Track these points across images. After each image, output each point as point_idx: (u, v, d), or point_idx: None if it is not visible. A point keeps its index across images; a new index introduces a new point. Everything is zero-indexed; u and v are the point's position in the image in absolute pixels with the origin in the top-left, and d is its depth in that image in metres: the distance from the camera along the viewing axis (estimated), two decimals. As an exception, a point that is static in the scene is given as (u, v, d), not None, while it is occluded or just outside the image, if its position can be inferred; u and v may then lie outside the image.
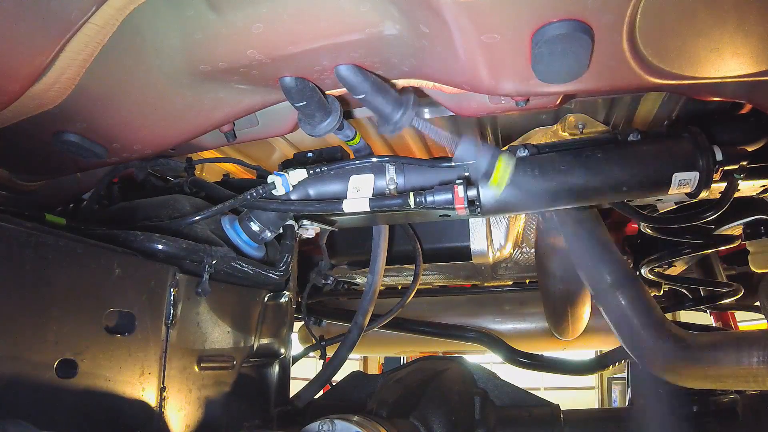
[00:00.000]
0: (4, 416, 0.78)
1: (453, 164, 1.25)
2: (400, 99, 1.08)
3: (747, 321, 3.38)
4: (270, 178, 1.27)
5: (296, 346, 2.87)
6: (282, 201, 1.29)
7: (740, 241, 1.96)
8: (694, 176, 1.14)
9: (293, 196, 1.29)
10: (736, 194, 1.36)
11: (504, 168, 1.06)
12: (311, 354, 2.55)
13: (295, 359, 2.17)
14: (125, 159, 1.33)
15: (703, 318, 3.18)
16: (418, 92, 1.21)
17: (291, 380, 1.65)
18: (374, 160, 1.27)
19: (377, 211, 1.24)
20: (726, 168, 1.22)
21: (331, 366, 1.72)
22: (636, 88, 1.01)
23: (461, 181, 1.18)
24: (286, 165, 1.46)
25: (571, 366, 2.61)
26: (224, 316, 1.35)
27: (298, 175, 1.26)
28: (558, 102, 1.20)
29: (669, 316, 1.88)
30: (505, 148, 1.25)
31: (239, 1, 0.88)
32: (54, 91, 0.98)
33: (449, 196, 1.15)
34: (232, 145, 1.52)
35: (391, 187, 1.24)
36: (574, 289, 2.38)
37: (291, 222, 1.46)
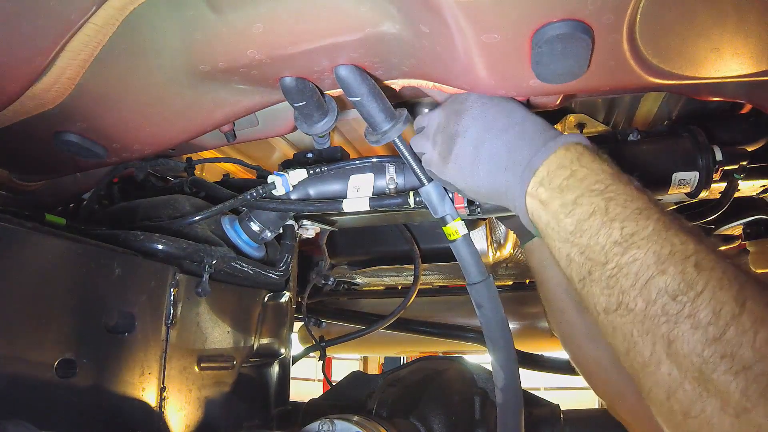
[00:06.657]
0: (4, 416, 0.78)
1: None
2: (394, 112, 1.08)
3: (747, 321, 3.37)
4: (270, 178, 1.27)
5: (296, 346, 2.88)
6: (282, 201, 1.29)
7: (740, 241, 1.96)
8: (693, 176, 1.14)
9: (293, 196, 1.30)
10: (736, 194, 1.36)
11: (457, 227, 1.08)
12: (311, 354, 2.55)
13: (295, 359, 2.17)
14: (125, 159, 1.33)
15: (703, 318, 3.17)
16: (417, 92, 1.21)
17: (291, 380, 1.65)
18: (374, 160, 1.27)
19: (377, 211, 1.24)
20: (726, 168, 1.22)
21: None
22: (636, 88, 1.01)
23: (461, 180, 1.18)
24: (286, 165, 1.46)
25: (572, 366, 2.60)
26: (224, 316, 1.35)
27: (298, 175, 1.26)
28: (558, 102, 1.20)
29: (669, 316, 1.87)
30: None
31: (239, 1, 0.88)
32: (54, 91, 0.99)
33: (449, 195, 1.15)
34: (232, 145, 1.52)
35: (391, 186, 1.24)
36: (574, 289, 2.38)
37: (291, 222, 1.46)
